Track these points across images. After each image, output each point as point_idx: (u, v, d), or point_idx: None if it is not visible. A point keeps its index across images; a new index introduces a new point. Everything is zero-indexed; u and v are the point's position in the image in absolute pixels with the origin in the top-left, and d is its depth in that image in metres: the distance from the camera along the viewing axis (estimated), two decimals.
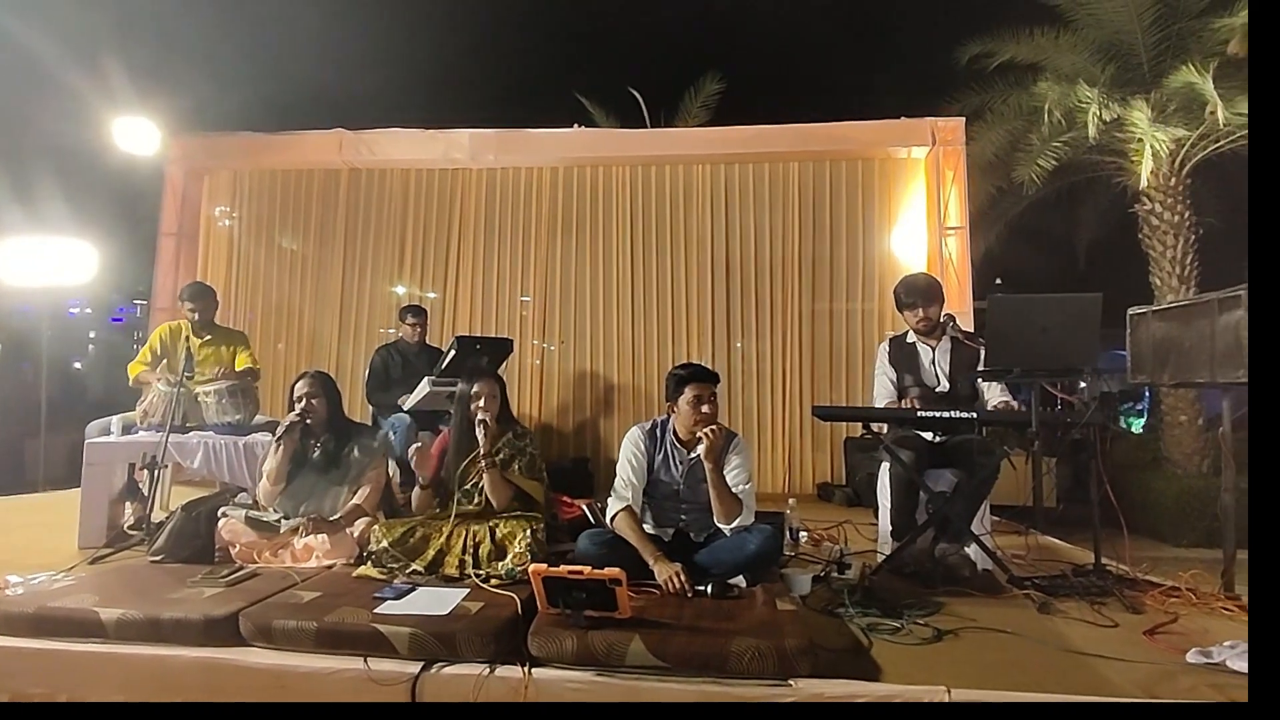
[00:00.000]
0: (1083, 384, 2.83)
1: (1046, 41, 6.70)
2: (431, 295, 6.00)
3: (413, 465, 2.78)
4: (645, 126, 7.69)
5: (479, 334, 5.66)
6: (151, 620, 2.04)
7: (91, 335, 17.75)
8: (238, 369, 4.03)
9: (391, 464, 4.21)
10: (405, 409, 4.31)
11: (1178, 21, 6.37)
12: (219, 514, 2.79)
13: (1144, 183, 6.13)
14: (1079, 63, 6.58)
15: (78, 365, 15.56)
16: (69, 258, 6.31)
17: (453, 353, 4.10)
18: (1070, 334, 2.52)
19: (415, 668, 1.91)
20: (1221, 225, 7.68)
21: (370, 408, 4.77)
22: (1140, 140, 5.83)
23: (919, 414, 2.81)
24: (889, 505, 3.12)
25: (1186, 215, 6.72)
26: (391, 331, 5.61)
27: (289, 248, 6.21)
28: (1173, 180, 6.67)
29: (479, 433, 2.70)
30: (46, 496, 4.92)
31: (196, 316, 3.97)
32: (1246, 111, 5.80)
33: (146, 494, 3.25)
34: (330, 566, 2.64)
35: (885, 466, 3.19)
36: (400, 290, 6.04)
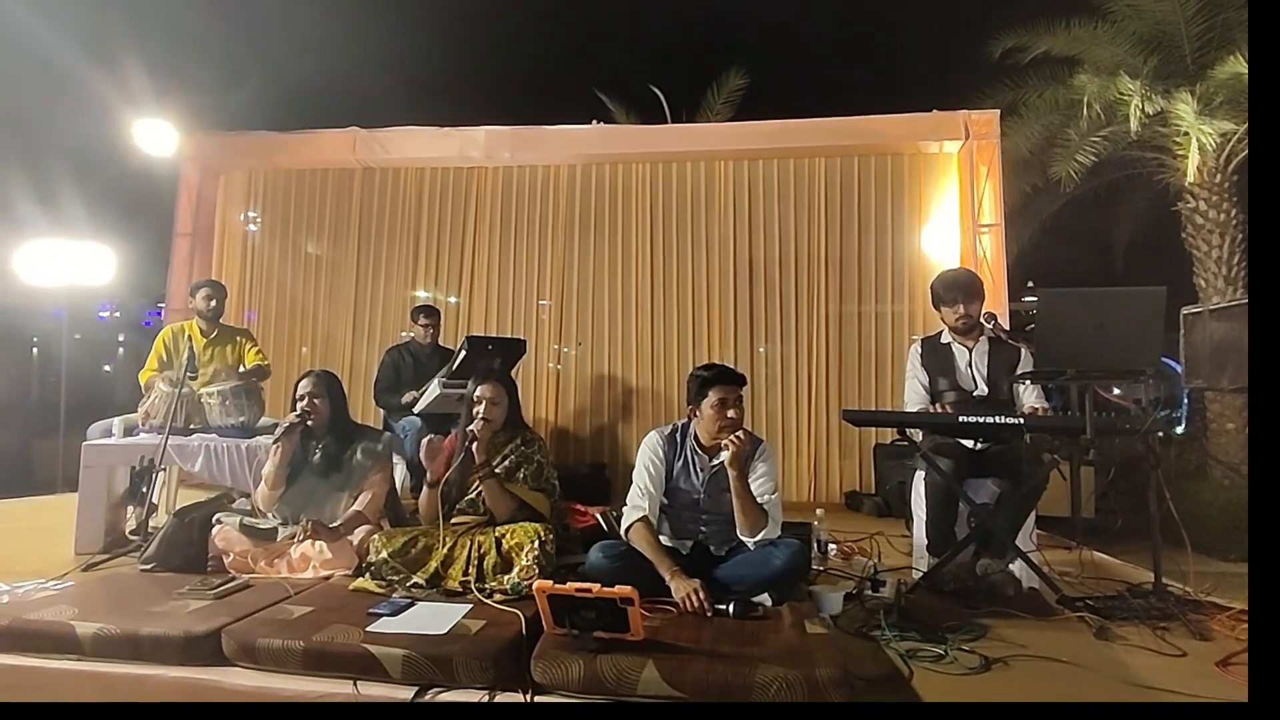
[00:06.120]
0: (1137, 386, 2.60)
1: (1084, 33, 6.49)
2: (453, 300, 5.87)
3: (423, 458, 2.62)
4: (666, 123, 7.52)
5: (493, 334, 5.52)
6: (129, 636, 1.89)
7: (121, 338, 17.91)
8: (247, 365, 3.94)
9: (401, 469, 4.11)
10: (415, 412, 4.18)
11: (1223, 11, 6.11)
12: (213, 520, 2.65)
13: (1190, 178, 5.85)
14: (1119, 55, 6.34)
15: (107, 368, 15.67)
16: (90, 260, 6.30)
17: (463, 353, 3.95)
18: (1131, 331, 2.28)
19: (408, 693, 1.75)
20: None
21: (381, 411, 4.66)
22: (1185, 134, 5.56)
23: (961, 420, 2.59)
24: (924, 517, 2.91)
25: (1233, 213, 6.43)
26: (407, 334, 5.49)
27: (303, 248, 6.13)
28: (1218, 177, 6.39)
29: (474, 442, 2.53)
30: (59, 499, 4.82)
31: (212, 303, 3.89)
32: None
33: (148, 498, 3.12)
34: (328, 577, 2.48)
35: (920, 475, 2.97)
36: (419, 293, 5.91)
